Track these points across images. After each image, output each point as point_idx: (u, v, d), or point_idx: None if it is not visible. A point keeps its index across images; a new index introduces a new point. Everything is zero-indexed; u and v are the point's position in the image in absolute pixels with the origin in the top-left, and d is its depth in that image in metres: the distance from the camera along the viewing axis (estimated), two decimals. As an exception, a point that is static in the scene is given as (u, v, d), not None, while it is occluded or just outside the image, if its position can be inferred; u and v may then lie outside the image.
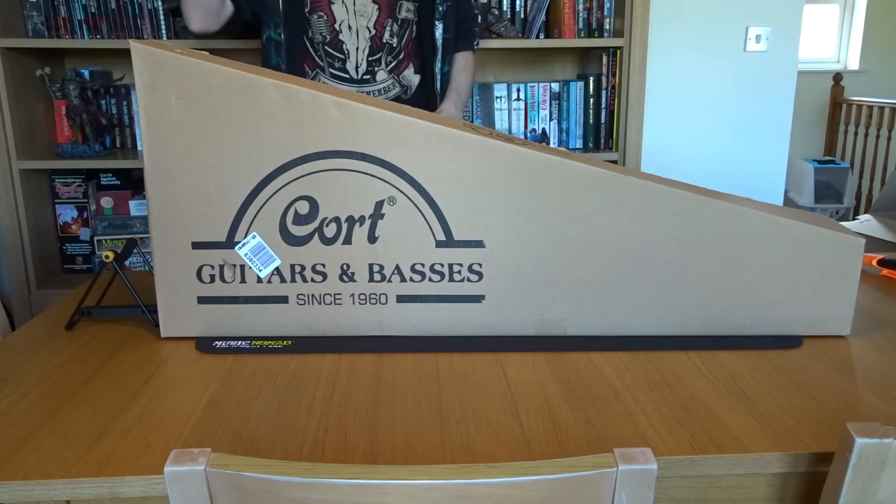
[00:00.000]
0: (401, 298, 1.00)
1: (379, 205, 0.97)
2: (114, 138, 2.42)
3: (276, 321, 1.01)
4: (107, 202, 2.40)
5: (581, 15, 2.32)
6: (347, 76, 1.52)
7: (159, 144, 0.95)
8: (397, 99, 1.59)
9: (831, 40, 5.20)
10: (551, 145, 2.18)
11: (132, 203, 2.41)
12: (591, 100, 2.40)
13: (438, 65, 1.62)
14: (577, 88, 2.42)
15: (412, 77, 1.56)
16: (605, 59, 2.34)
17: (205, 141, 0.95)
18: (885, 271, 1.30)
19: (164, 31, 2.30)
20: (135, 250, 1.15)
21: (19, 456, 0.72)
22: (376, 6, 1.50)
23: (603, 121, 2.40)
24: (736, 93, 2.59)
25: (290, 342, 1.00)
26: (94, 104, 2.34)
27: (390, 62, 1.51)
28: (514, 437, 0.75)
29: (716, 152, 2.64)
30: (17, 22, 2.23)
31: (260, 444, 0.74)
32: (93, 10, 2.27)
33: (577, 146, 2.46)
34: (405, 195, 0.97)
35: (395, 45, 1.50)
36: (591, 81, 2.38)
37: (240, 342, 1.00)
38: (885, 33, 5.08)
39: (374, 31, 1.50)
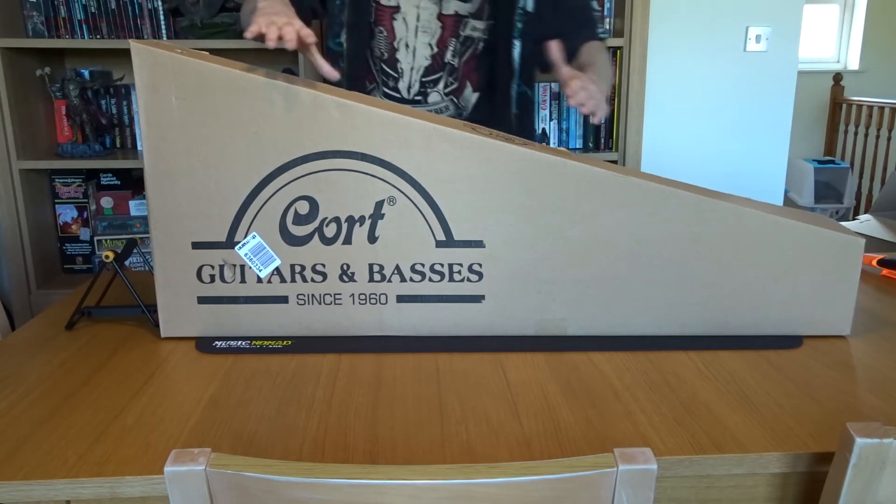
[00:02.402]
0: (401, 298, 1.00)
1: (379, 205, 0.97)
2: (114, 138, 2.42)
3: (276, 321, 1.01)
4: (107, 202, 2.40)
5: (581, 15, 2.32)
6: (399, 95, 1.46)
7: (159, 144, 0.95)
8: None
9: (831, 40, 5.20)
10: (551, 145, 2.18)
11: (132, 203, 2.41)
12: (591, 100, 2.39)
13: (515, 87, 1.46)
14: (577, 88, 2.42)
15: (470, 97, 1.47)
16: (605, 59, 2.34)
17: (205, 141, 0.95)
18: (885, 271, 1.30)
19: (164, 31, 2.30)
20: (135, 250, 1.15)
21: (19, 456, 0.72)
22: (440, 24, 1.43)
23: (603, 121, 2.39)
24: (736, 93, 2.59)
25: (290, 342, 1.00)
26: (94, 104, 2.34)
27: (450, 83, 1.44)
28: (514, 437, 0.75)
29: (716, 152, 2.64)
30: (17, 22, 2.24)
31: (260, 444, 0.74)
32: (93, 10, 2.27)
33: (577, 146, 2.46)
34: (405, 195, 0.97)
35: (456, 65, 1.45)
36: (591, 81, 2.38)
37: (240, 342, 1.00)
38: (885, 33, 5.08)
39: (436, 50, 1.43)
